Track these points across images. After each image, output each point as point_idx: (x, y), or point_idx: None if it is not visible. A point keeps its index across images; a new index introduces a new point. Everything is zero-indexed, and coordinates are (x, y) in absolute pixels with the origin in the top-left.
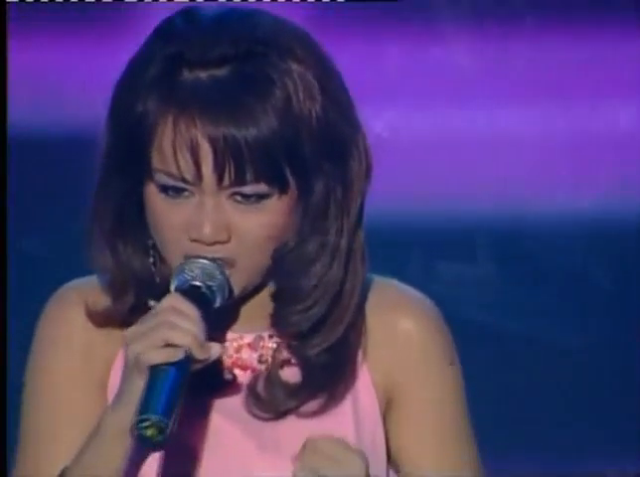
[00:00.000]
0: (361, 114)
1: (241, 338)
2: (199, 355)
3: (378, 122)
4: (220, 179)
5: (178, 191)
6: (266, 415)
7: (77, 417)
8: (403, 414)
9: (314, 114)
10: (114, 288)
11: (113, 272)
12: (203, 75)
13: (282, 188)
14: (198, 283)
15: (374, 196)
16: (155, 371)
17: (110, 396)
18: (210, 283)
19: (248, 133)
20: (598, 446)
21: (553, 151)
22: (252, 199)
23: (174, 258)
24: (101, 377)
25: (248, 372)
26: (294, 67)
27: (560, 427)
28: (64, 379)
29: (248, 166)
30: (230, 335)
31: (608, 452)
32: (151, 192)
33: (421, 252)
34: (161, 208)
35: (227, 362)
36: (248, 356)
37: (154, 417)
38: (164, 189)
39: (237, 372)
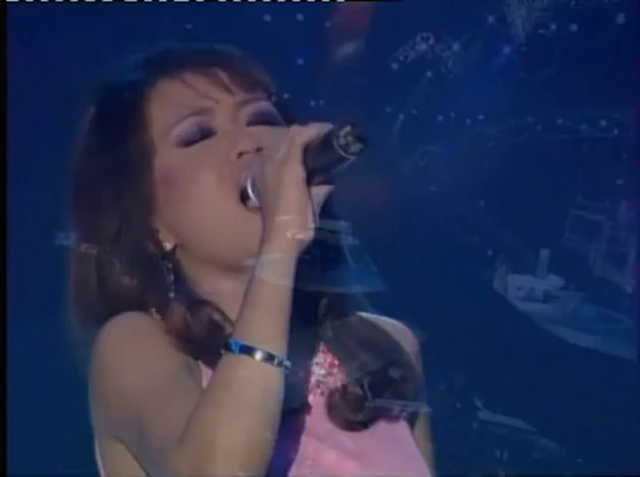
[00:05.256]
0: None
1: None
2: None
3: None
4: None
5: (198, 133)
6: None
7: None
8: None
9: None
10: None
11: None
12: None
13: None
14: None
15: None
16: None
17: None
18: None
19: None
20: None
21: None
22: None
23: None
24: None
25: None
26: None
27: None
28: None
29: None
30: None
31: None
32: (169, 161)
33: None
34: (187, 160)
35: (312, 383)
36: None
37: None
38: (186, 137)
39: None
